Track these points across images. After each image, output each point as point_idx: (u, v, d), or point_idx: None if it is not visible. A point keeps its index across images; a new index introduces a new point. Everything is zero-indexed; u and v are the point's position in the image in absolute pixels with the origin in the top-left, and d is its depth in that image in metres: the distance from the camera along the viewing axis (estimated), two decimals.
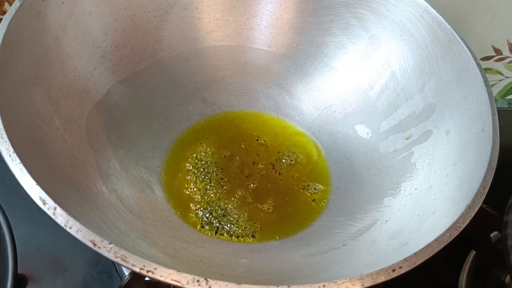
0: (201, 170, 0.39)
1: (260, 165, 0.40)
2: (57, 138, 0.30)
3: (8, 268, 0.30)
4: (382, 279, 0.22)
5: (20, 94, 0.28)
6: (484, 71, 0.32)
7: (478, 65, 0.33)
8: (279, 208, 0.37)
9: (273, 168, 0.40)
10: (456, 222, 0.25)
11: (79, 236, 0.21)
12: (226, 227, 0.35)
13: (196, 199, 0.37)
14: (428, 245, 0.24)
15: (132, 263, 0.20)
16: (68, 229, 0.21)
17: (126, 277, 0.33)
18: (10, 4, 0.48)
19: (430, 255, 0.23)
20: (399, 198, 0.34)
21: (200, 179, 0.38)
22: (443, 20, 0.36)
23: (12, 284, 0.30)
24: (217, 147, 0.41)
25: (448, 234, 0.24)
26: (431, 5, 0.36)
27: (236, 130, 0.42)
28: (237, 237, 0.35)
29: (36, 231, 0.40)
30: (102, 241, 0.21)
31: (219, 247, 0.34)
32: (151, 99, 0.40)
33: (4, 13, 0.49)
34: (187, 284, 0.20)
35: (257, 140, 0.42)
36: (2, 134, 0.24)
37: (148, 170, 0.37)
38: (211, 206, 0.37)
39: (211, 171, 0.39)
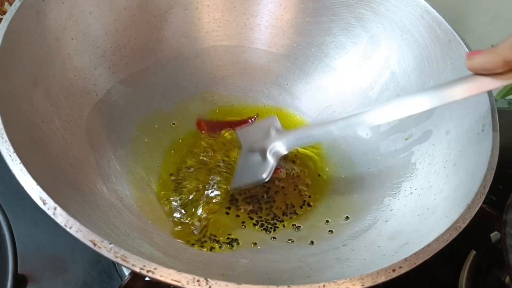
0: (202, 170, 0.39)
1: None
2: (57, 138, 0.30)
3: (8, 268, 0.30)
4: (382, 279, 0.22)
5: (20, 94, 0.28)
6: None
7: None
8: (280, 207, 0.37)
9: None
10: (456, 222, 0.25)
11: (79, 236, 0.21)
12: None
13: (196, 198, 0.37)
14: (428, 245, 0.24)
15: (132, 263, 0.20)
16: (68, 229, 0.21)
17: (126, 277, 0.33)
18: (10, 4, 0.48)
19: (430, 255, 0.23)
20: (399, 198, 0.34)
21: (200, 179, 0.38)
22: (443, 20, 0.36)
23: (12, 284, 0.30)
24: (218, 146, 0.41)
25: (448, 234, 0.24)
26: (431, 5, 0.36)
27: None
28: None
29: (36, 231, 0.40)
30: (102, 241, 0.21)
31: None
32: (151, 99, 0.40)
33: (4, 13, 0.49)
34: (187, 284, 0.20)
35: None
36: (2, 134, 0.24)
37: (148, 170, 0.37)
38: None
39: (211, 170, 0.39)
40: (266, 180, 0.33)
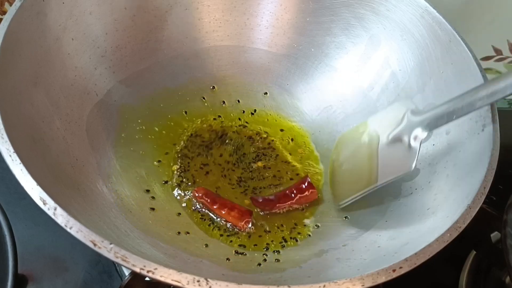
0: (202, 170, 0.39)
1: (259, 165, 0.40)
2: (58, 138, 0.30)
3: (9, 268, 0.30)
4: (382, 279, 0.22)
5: (20, 94, 0.28)
6: (484, 71, 0.32)
7: (479, 65, 0.33)
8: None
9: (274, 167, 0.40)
10: (457, 222, 0.25)
11: (79, 236, 0.21)
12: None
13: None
14: (429, 245, 0.24)
15: (132, 263, 0.20)
16: (68, 229, 0.21)
17: (127, 277, 0.33)
18: (10, 4, 0.48)
19: (431, 255, 0.23)
20: (399, 198, 0.34)
21: (201, 179, 0.38)
22: (443, 20, 0.36)
23: (12, 284, 0.30)
24: (218, 146, 0.41)
25: (448, 234, 0.24)
26: (431, 5, 0.36)
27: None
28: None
29: (36, 231, 0.40)
30: (102, 241, 0.21)
31: (220, 247, 0.34)
32: (151, 99, 0.40)
33: (4, 13, 0.49)
34: (188, 284, 0.20)
35: (258, 139, 0.42)
36: (2, 134, 0.24)
37: (148, 170, 0.37)
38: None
39: (213, 170, 0.39)
40: (413, 168, 0.31)
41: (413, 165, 0.31)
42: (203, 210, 0.36)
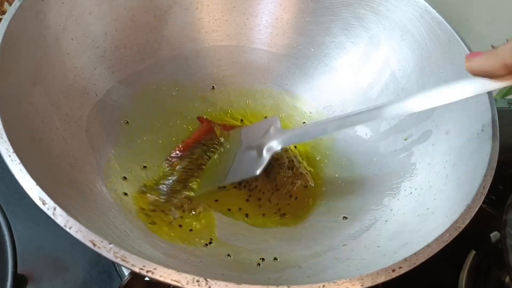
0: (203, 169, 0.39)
1: None
2: (57, 138, 0.31)
3: (8, 268, 0.30)
4: (382, 279, 0.22)
5: (20, 94, 0.28)
6: None
7: None
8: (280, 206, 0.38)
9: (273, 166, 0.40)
10: (456, 222, 0.25)
11: (78, 236, 0.21)
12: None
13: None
14: (428, 245, 0.24)
15: (132, 263, 0.20)
16: (67, 229, 0.21)
17: (126, 277, 0.33)
18: (10, 4, 0.48)
19: (430, 255, 0.23)
20: (399, 198, 0.34)
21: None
22: (443, 20, 0.36)
23: (12, 284, 0.30)
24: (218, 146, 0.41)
25: (448, 234, 0.24)
26: (431, 5, 0.36)
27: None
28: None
29: (36, 231, 0.40)
30: (102, 241, 0.21)
31: (219, 247, 0.34)
32: (150, 99, 0.40)
33: (3, 13, 0.49)
34: (187, 284, 0.20)
35: None
36: (1, 134, 0.24)
37: (148, 169, 0.37)
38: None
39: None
40: (258, 174, 0.35)
41: (258, 172, 0.34)
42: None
